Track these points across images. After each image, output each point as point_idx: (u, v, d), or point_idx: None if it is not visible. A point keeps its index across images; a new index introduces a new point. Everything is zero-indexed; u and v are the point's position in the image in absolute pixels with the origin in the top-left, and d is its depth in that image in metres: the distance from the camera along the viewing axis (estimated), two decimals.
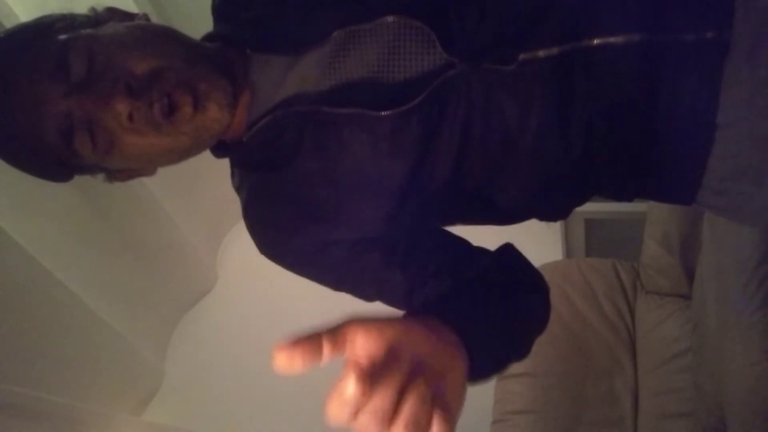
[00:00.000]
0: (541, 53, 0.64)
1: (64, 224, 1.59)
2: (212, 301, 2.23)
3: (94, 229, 1.69)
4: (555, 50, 0.63)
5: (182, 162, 0.77)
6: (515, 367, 1.63)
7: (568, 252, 2.10)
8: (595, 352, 1.63)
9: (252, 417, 1.94)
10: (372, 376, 0.40)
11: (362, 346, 0.42)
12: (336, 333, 0.42)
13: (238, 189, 0.78)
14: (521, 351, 0.69)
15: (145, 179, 1.75)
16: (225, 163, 0.80)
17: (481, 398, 1.73)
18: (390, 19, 0.66)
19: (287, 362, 0.40)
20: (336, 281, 0.76)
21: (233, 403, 1.95)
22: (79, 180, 0.77)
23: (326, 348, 0.41)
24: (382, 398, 0.40)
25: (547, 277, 0.78)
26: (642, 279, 1.70)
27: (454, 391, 0.46)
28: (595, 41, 0.63)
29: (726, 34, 0.61)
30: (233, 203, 0.80)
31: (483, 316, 0.62)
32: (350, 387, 0.39)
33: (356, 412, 0.40)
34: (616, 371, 1.60)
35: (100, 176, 0.77)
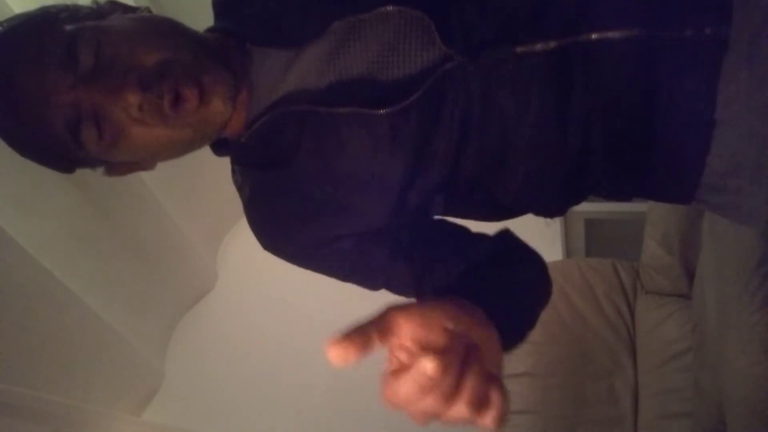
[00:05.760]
0: (539, 47, 0.64)
1: (64, 224, 1.59)
2: (212, 301, 2.22)
3: (94, 229, 1.69)
4: (553, 44, 0.63)
5: (182, 158, 0.77)
6: (515, 367, 1.64)
7: (568, 252, 2.09)
8: (595, 352, 1.62)
9: (252, 417, 1.94)
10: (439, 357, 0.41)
11: (408, 331, 0.44)
12: (381, 323, 0.43)
13: (240, 187, 0.78)
14: (531, 324, 0.71)
15: (146, 179, 1.78)
16: (225, 163, 0.80)
17: None
18: (390, 8, 0.66)
19: (342, 356, 0.41)
20: (343, 273, 0.77)
21: (233, 403, 1.95)
22: (79, 180, 0.77)
23: (375, 338, 0.42)
24: (449, 378, 0.42)
25: None
26: (642, 279, 1.70)
27: (495, 365, 0.48)
28: (593, 36, 0.63)
29: (725, 30, 0.60)
30: (233, 203, 0.80)
31: (500, 294, 0.64)
32: (430, 368, 0.40)
33: (424, 392, 0.41)
34: (616, 371, 1.59)
35: (100, 171, 0.77)
